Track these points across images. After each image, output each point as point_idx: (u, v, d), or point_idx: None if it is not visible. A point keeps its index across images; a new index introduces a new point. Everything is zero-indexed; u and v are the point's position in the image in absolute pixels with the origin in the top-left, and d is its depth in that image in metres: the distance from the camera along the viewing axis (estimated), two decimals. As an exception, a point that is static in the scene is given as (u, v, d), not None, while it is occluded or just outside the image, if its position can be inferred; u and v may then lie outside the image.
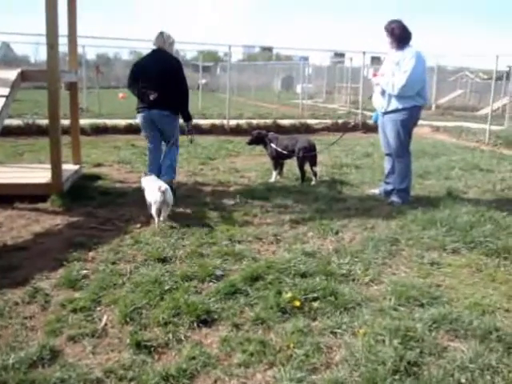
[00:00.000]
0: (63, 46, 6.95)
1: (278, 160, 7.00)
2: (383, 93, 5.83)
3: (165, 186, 4.89)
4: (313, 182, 6.81)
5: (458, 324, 3.06)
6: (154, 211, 4.87)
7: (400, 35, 5.69)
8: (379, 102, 5.94)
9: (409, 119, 5.76)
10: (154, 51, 6.03)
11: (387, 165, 6.18)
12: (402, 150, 5.89)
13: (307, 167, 6.84)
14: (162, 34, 5.96)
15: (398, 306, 3.29)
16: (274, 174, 6.98)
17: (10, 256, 4.08)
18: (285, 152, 6.79)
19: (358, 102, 15.92)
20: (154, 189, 4.90)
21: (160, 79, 5.78)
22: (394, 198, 5.90)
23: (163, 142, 6.20)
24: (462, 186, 6.88)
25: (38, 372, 2.55)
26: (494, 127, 12.72)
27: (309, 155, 6.77)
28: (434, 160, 8.94)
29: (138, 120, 6.29)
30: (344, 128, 13.69)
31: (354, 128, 13.79)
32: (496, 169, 8.34)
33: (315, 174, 6.88)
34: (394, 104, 5.74)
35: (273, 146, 6.90)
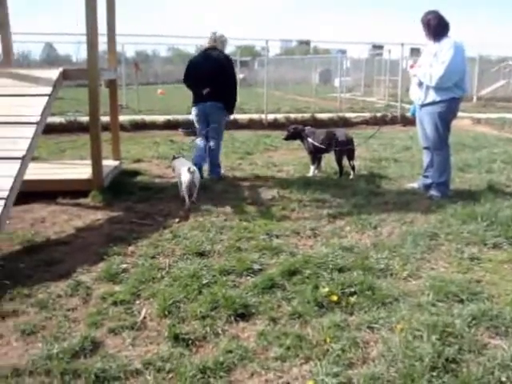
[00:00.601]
0: (103, 44, 7.08)
1: (316, 154, 6.96)
2: (421, 85, 5.74)
3: (193, 168, 5.47)
4: (351, 176, 6.77)
5: (499, 321, 3.00)
6: (184, 191, 5.34)
7: (436, 26, 5.58)
8: (417, 95, 5.85)
9: (447, 112, 5.65)
10: (206, 49, 6.69)
11: (426, 158, 6.09)
12: (441, 143, 5.79)
13: (345, 161, 6.80)
14: (214, 33, 6.64)
15: (436, 302, 3.24)
16: (312, 168, 6.95)
17: (53, 250, 4.20)
18: (322, 146, 6.75)
19: (397, 95, 15.69)
20: (183, 170, 5.41)
21: (211, 75, 6.42)
22: (433, 192, 5.81)
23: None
24: (504, 179, 6.73)
25: (80, 362, 2.62)
26: (538, 118, 12.40)
27: (346, 149, 6.72)
28: (474, 153, 8.75)
29: (192, 113, 6.82)
30: (382, 121, 13.57)
31: (393, 121, 13.63)
32: (541, 161, 8.11)
33: (353, 168, 6.83)
34: (432, 96, 5.64)
35: (310, 140, 6.86)
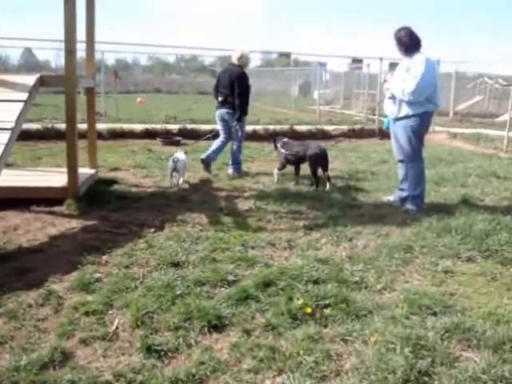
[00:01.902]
0: (82, 51, 7.05)
1: (286, 164, 7.17)
2: (394, 99, 5.83)
3: (178, 158, 6.74)
4: (327, 188, 6.80)
5: (471, 333, 3.03)
6: (168, 174, 6.78)
7: (408, 42, 5.71)
8: (390, 108, 5.94)
9: (420, 125, 5.75)
10: (229, 64, 8.06)
11: (401, 171, 6.15)
12: (414, 156, 5.87)
13: (320, 173, 6.85)
14: (234, 51, 7.93)
15: (410, 315, 3.26)
16: (276, 173, 7.28)
17: (26, 258, 4.13)
18: (292, 157, 6.98)
19: (375, 109, 15.84)
20: (170, 159, 6.82)
21: (226, 85, 7.72)
22: (409, 206, 5.86)
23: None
24: (478, 193, 6.82)
25: (48, 374, 2.57)
26: (513, 134, 12.59)
27: (319, 161, 6.84)
28: (450, 167, 8.87)
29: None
30: (360, 134, 13.69)
31: (370, 134, 13.76)
32: (514, 176, 8.24)
33: (329, 179, 6.88)
34: (405, 110, 5.74)
35: (282, 150, 7.05)
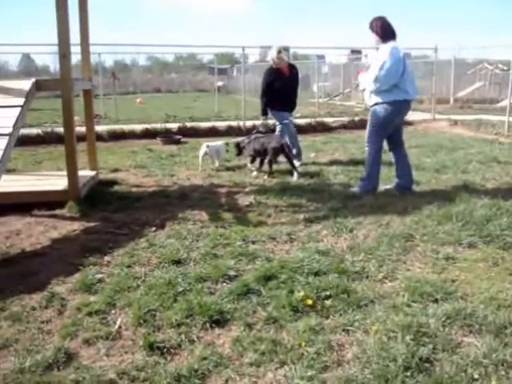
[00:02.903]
0: (79, 54, 7.07)
1: (256, 156, 7.68)
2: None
3: (211, 144, 7.97)
4: (294, 178, 7.03)
5: (473, 319, 3.03)
6: (199, 158, 7.92)
7: (380, 32, 5.86)
8: (367, 99, 6.16)
9: (389, 113, 5.90)
10: None
11: (393, 159, 6.32)
12: (371, 137, 6.10)
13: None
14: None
15: (411, 302, 3.26)
16: (251, 166, 7.79)
17: (28, 262, 4.15)
18: (254, 151, 7.57)
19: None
20: (204, 145, 7.95)
21: None
22: (355, 187, 6.21)
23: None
24: (479, 179, 6.81)
25: (53, 374, 2.59)
26: (513, 119, 12.55)
27: (281, 153, 7.28)
28: (451, 154, 8.86)
29: None
30: (361, 125, 13.66)
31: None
32: (515, 161, 8.23)
33: (294, 168, 7.22)
34: (375, 99, 5.95)
35: (245, 147, 7.75)
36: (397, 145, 6.32)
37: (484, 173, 7.22)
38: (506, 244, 4.32)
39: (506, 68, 26.34)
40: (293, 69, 8.13)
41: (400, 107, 5.96)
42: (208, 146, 7.83)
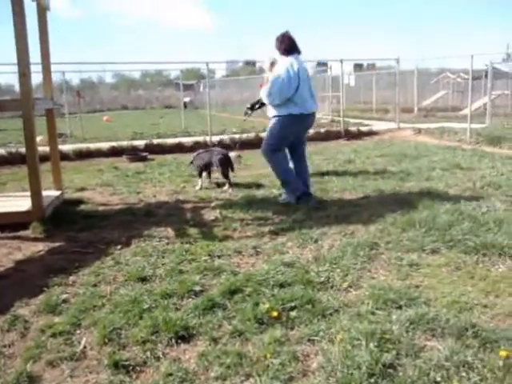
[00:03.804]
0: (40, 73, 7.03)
1: (202, 170, 7.74)
2: None
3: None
4: (225, 188, 7.41)
5: (435, 323, 3.08)
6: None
7: (280, 47, 6.08)
8: (268, 111, 6.37)
9: (283, 126, 6.09)
10: None
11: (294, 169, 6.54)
12: (268, 151, 6.25)
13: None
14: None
15: (375, 310, 3.29)
16: (199, 181, 7.73)
17: (-9, 285, 4.08)
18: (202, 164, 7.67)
19: (340, 110, 16.01)
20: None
21: None
22: (283, 196, 6.40)
23: None
24: (442, 185, 6.94)
25: (15, 400, 2.55)
26: (475, 125, 12.87)
27: (226, 165, 7.45)
28: (415, 162, 9.02)
29: None
30: (327, 136, 13.81)
31: (337, 136, 13.88)
32: (477, 166, 8.43)
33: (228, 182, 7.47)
34: (272, 112, 6.15)
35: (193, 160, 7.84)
36: (298, 157, 6.52)
37: (447, 179, 7.36)
38: (467, 248, 4.40)
39: (467, 77, 26.96)
40: None
41: (296, 121, 6.10)
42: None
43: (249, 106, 7.54)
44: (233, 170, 7.58)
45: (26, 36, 5.43)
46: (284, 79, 5.86)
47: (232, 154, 8.17)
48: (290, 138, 6.22)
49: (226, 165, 7.47)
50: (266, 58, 7.98)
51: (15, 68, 5.50)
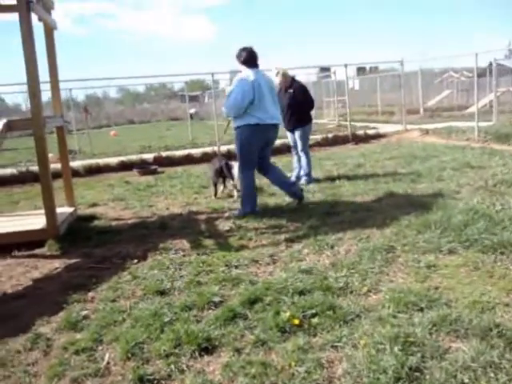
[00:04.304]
0: (49, 91, 7.09)
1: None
2: None
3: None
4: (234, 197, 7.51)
5: (458, 324, 3.06)
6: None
7: (240, 61, 6.27)
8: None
9: (246, 137, 6.21)
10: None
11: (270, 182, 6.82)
12: (243, 166, 6.37)
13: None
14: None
15: (396, 313, 3.28)
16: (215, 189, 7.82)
17: (11, 304, 4.10)
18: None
19: (347, 115, 16.01)
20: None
21: None
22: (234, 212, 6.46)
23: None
24: (454, 185, 6.92)
25: (42, 418, 2.55)
26: (482, 124, 12.80)
27: (219, 174, 7.62)
28: (424, 163, 9.00)
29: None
30: (335, 141, 13.80)
31: (344, 140, 13.87)
32: (487, 164, 8.40)
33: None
34: (234, 123, 6.36)
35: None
36: (267, 169, 6.60)
37: (458, 179, 7.33)
38: (484, 247, 4.37)
39: (470, 75, 26.94)
40: (289, 87, 8.22)
41: (254, 131, 6.19)
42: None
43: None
44: (233, 179, 7.57)
45: (35, 58, 5.49)
46: (238, 93, 6.04)
47: None
48: (255, 149, 6.30)
49: (218, 175, 7.65)
50: (274, 68, 8.06)
51: (22, 88, 5.55)
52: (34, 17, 5.62)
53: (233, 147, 12.99)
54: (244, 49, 6.25)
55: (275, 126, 6.38)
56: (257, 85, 6.04)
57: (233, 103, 6.10)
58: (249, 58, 6.21)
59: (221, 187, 7.87)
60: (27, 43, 5.35)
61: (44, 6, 6.25)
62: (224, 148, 13.04)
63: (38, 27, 5.95)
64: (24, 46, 5.35)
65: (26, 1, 5.30)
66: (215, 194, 7.72)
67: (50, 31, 6.65)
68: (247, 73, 6.14)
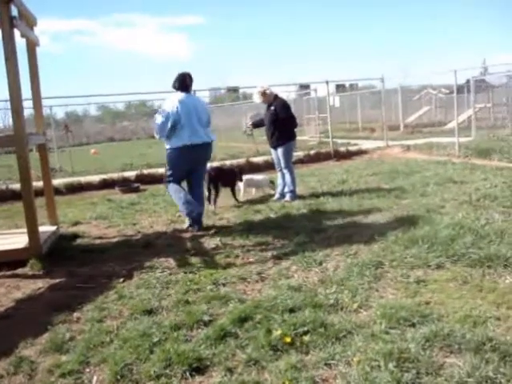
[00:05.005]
0: (31, 109, 7.02)
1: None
2: None
3: (255, 178, 9.24)
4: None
5: (451, 339, 3.04)
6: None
7: (174, 87, 6.66)
8: None
9: (172, 159, 6.63)
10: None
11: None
12: (167, 182, 6.79)
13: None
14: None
15: (389, 329, 3.25)
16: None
17: (-8, 327, 3.99)
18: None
19: (328, 131, 16.10)
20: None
21: None
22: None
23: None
24: (438, 200, 6.96)
25: None
26: (462, 139, 12.98)
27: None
28: (408, 178, 9.06)
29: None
30: (317, 158, 13.85)
31: (326, 157, 13.93)
32: (469, 179, 8.48)
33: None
34: (166, 145, 6.71)
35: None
36: (190, 185, 6.90)
37: (442, 194, 7.39)
38: (472, 261, 4.39)
39: (448, 91, 27.36)
40: (270, 106, 8.33)
41: (180, 153, 6.54)
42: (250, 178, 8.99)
43: (250, 122, 8.23)
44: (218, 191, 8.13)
45: (18, 75, 5.42)
46: (163, 116, 6.42)
47: (263, 177, 9.19)
48: (182, 168, 6.66)
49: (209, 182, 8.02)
50: (258, 87, 8.10)
51: (5, 104, 5.48)
52: (16, 33, 5.56)
53: (215, 164, 13.08)
54: (177, 76, 6.62)
55: (206, 145, 6.65)
56: (183, 106, 6.39)
57: (158, 126, 6.50)
58: (179, 84, 6.61)
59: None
60: (10, 60, 5.28)
61: (27, 22, 6.20)
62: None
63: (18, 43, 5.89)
64: (7, 62, 5.28)
65: (10, 17, 5.25)
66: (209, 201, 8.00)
67: (33, 47, 6.59)
68: (173, 97, 6.52)
